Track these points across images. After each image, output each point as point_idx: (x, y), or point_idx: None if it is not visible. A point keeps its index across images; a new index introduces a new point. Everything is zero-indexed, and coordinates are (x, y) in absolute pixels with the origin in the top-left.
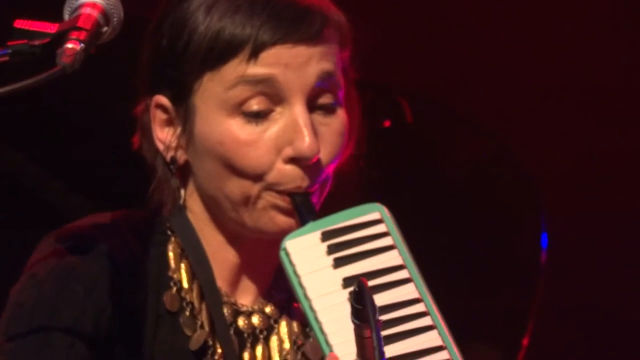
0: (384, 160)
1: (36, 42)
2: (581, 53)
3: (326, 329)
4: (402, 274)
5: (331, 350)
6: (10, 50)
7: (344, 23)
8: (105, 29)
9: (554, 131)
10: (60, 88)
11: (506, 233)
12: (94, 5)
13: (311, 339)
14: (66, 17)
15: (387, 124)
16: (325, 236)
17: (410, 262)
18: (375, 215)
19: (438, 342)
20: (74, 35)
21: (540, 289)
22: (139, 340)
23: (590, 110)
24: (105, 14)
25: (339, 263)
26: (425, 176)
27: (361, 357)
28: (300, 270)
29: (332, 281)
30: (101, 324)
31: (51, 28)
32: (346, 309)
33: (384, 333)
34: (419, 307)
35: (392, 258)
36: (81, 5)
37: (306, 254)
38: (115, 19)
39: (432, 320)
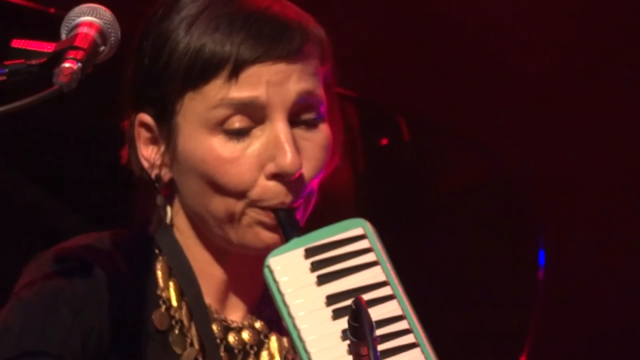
0: (380, 178)
1: (33, 62)
2: (577, 61)
3: (309, 348)
4: (385, 291)
5: None
6: (7, 70)
7: (324, 38)
8: (102, 48)
9: (551, 146)
10: (58, 107)
11: (503, 251)
12: (91, 25)
13: None
14: (63, 36)
15: (384, 142)
16: (309, 253)
17: (393, 279)
18: (358, 231)
19: None
20: (71, 54)
21: (538, 307)
22: None
23: (588, 122)
24: (103, 33)
25: (322, 280)
26: (421, 194)
27: None
28: (283, 288)
29: (316, 299)
30: (89, 346)
31: (48, 47)
32: (330, 327)
33: None
34: (402, 325)
35: (375, 275)
36: (78, 25)
37: (289, 271)
38: (112, 38)
39: (415, 337)
